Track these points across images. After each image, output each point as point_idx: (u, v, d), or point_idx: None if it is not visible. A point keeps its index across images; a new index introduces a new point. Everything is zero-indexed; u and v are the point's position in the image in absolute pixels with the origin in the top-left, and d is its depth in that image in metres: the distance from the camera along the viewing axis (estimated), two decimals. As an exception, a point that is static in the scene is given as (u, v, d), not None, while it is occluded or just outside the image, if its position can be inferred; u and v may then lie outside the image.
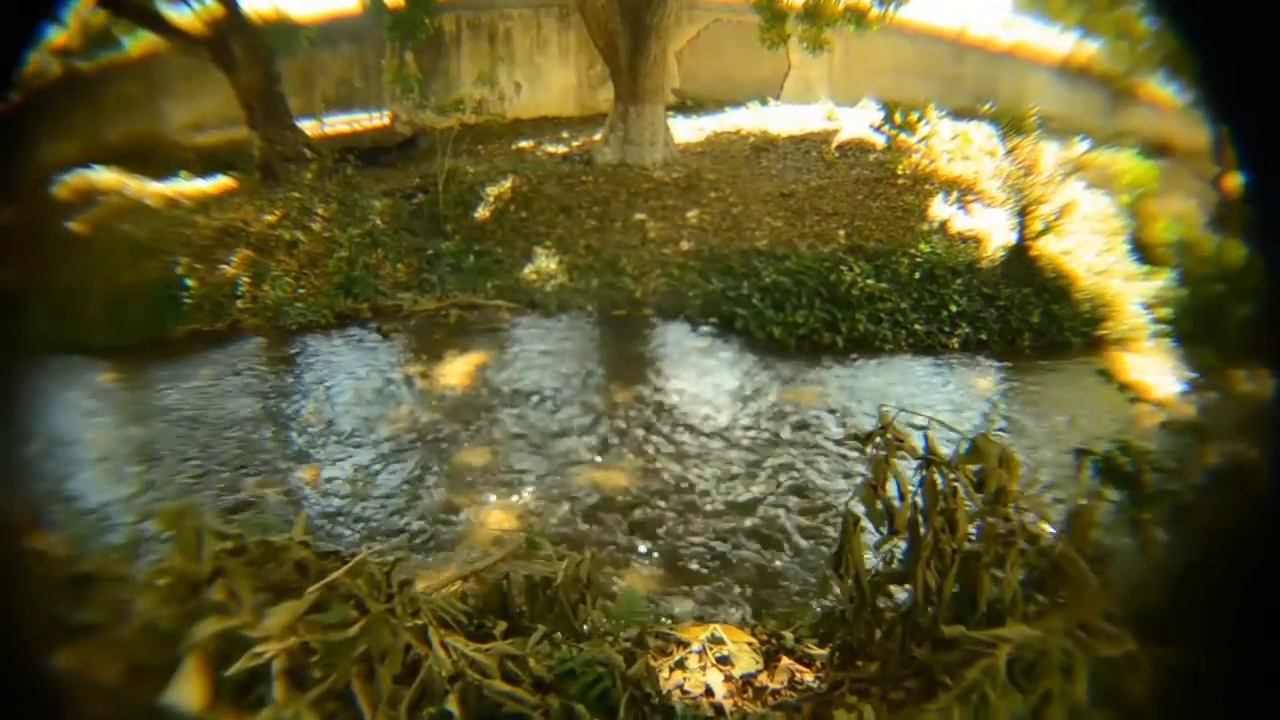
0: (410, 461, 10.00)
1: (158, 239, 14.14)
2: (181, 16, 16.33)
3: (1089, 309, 13.77)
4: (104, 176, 15.20)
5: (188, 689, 3.60)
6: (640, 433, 10.60)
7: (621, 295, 14.45)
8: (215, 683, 3.61)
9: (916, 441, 4.84)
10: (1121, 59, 17.41)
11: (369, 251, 15.01)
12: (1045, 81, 19.03)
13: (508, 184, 17.11)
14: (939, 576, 4.53)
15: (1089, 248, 14.96)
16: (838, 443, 10.41)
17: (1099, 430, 10.29)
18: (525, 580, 5.18)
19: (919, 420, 4.94)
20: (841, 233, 15.66)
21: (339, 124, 19.37)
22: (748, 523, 8.85)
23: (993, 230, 15.40)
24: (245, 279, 14.02)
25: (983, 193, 16.52)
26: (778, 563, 8.25)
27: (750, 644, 5.52)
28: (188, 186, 16.15)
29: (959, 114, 18.65)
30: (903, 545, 4.85)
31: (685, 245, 15.50)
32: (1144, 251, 14.86)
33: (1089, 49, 18.50)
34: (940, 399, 11.63)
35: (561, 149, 19.41)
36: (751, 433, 10.63)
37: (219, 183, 16.60)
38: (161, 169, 16.20)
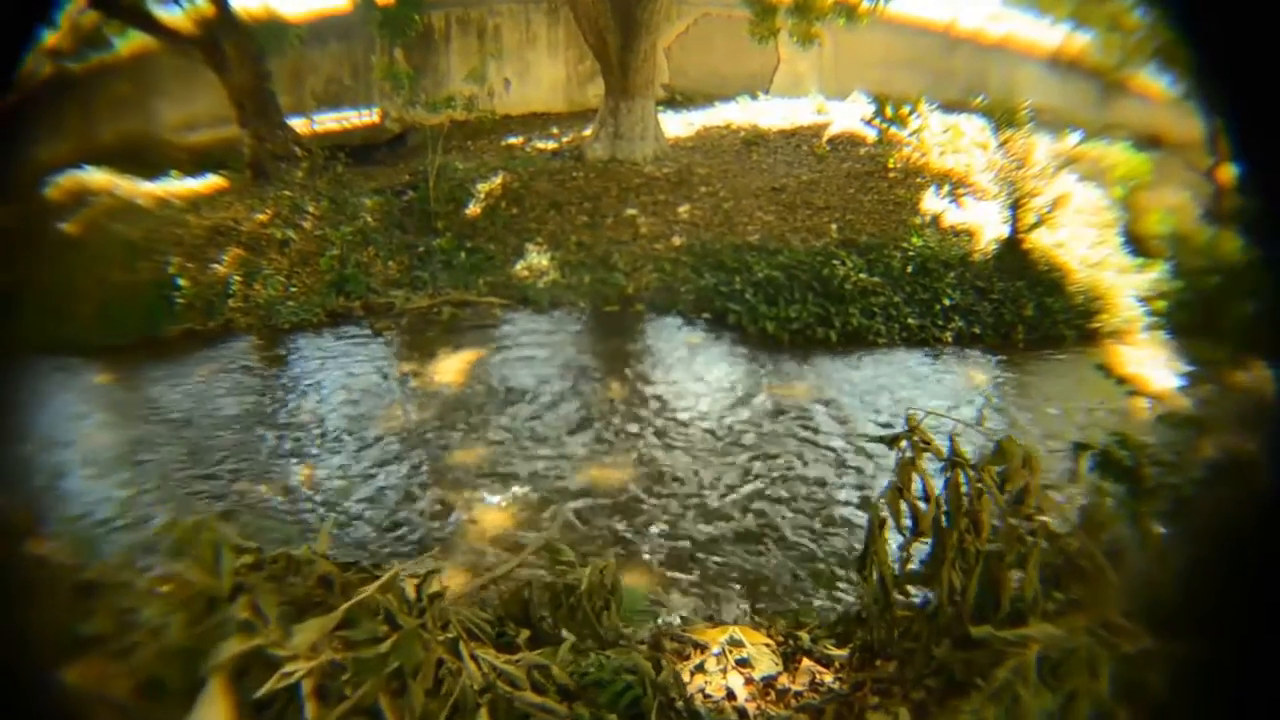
0: (404, 460, 9.97)
1: (150, 239, 14.09)
2: (172, 16, 16.25)
3: (1082, 302, 13.76)
4: (95, 177, 15.13)
5: (213, 711, 3.55)
6: (635, 429, 10.59)
7: (614, 291, 14.45)
8: (240, 703, 3.56)
9: (942, 443, 4.86)
10: (1113, 51, 17.39)
11: (360, 249, 14.99)
12: (1036, 74, 19.00)
13: (498, 180, 17.08)
14: (964, 577, 4.54)
15: (1082, 240, 14.95)
16: (840, 438, 10.42)
17: (1094, 423, 10.34)
18: (549, 587, 5.15)
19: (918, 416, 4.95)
20: (833, 227, 15.65)
21: (329, 121, 19.29)
22: (745, 519, 8.84)
23: (985, 223, 15.41)
24: (237, 278, 13.98)
25: (974, 186, 16.52)
26: (775, 559, 8.24)
27: (767, 645, 5.52)
28: (179, 186, 16.09)
29: (950, 107, 18.61)
30: (919, 547, 4.88)
31: (677, 240, 15.50)
32: (1137, 244, 14.87)
33: (1079, 41, 18.48)
34: (935, 393, 11.62)
35: (551, 145, 19.35)
36: (747, 428, 10.62)
37: (210, 182, 16.53)
38: (153, 168, 16.14)
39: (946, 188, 16.53)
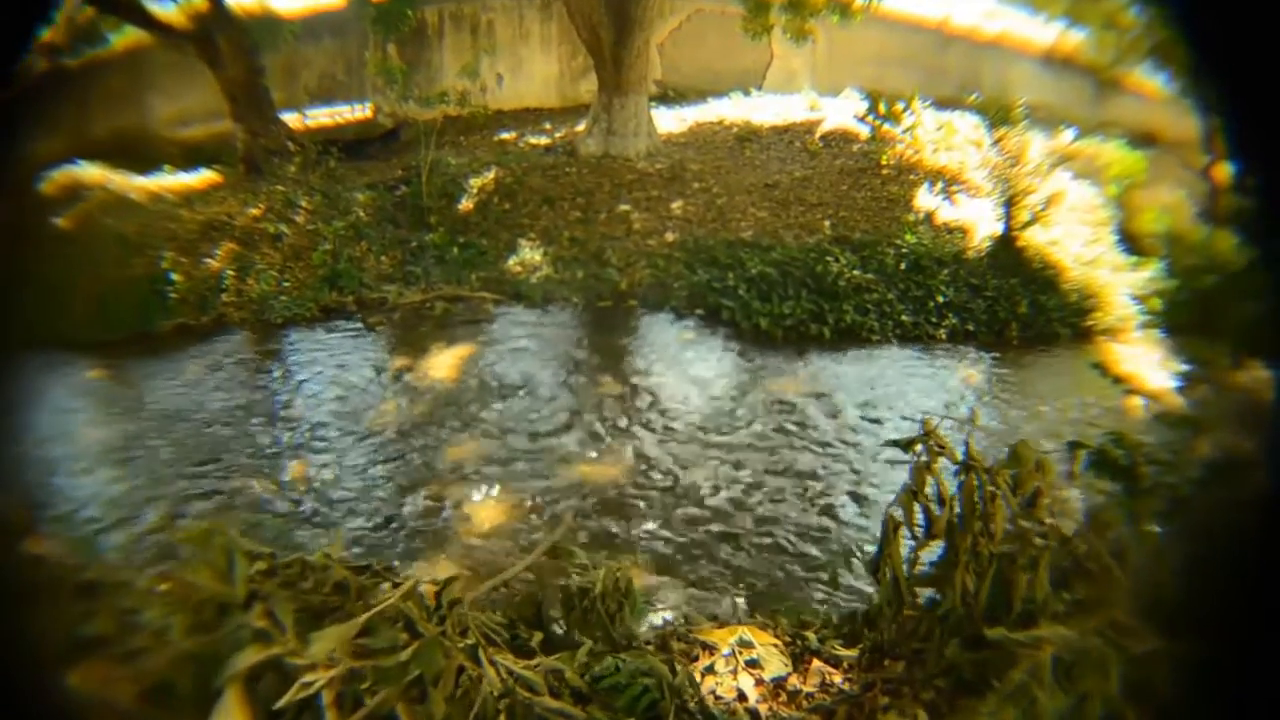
0: (397, 455, 9.96)
1: (143, 233, 14.06)
2: (166, 11, 16.22)
3: (1077, 299, 13.78)
4: (89, 171, 15.11)
5: None
6: (629, 425, 10.57)
7: (607, 287, 14.43)
8: (257, 713, 3.53)
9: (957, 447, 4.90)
10: (1108, 49, 17.41)
11: (353, 244, 14.96)
12: (1029, 71, 19.03)
13: (491, 175, 17.08)
14: (976, 579, 4.56)
15: (1076, 238, 14.98)
16: (833, 434, 10.44)
17: (1088, 421, 10.36)
18: (562, 590, 5.13)
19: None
20: (827, 223, 15.66)
21: (321, 117, 19.27)
22: (740, 515, 8.84)
23: (979, 221, 15.43)
24: (230, 273, 13.95)
25: (968, 183, 16.54)
26: (769, 556, 8.24)
27: (775, 645, 5.51)
28: (172, 181, 16.07)
29: (943, 104, 18.64)
30: (927, 549, 4.92)
31: (670, 236, 15.49)
32: (1132, 242, 14.90)
33: (1073, 39, 18.50)
34: (928, 390, 11.63)
35: (544, 140, 19.33)
36: (741, 425, 10.62)
37: (203, 176, 16.52)
38: (146, 163, 16.12)
39: (940, 185, 16.55)
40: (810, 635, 5.72)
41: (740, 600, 7.58)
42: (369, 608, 3.93)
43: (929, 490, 4.90)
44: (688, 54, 21.50)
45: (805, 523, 8.72)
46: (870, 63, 20.35)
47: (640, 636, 5.37)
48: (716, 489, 9.31)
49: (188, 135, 17.90)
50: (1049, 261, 14.39)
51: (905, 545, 5.00)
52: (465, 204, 16.41)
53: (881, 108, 18.06)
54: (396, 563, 7.65)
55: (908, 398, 11.35)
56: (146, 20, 16.24)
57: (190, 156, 17.04)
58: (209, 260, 14.13)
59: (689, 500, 9.11)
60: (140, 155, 16.35)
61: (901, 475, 8.92)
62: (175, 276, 13.62)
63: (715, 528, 8.66)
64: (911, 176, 16.87)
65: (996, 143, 15.38)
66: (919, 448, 4.98)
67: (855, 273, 13.83)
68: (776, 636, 5.71)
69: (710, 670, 5.16)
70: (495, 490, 9.27)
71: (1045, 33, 19.42)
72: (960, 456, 4.84)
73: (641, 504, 9.04)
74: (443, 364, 12.08)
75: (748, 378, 11.89)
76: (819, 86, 20.64)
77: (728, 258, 14.50)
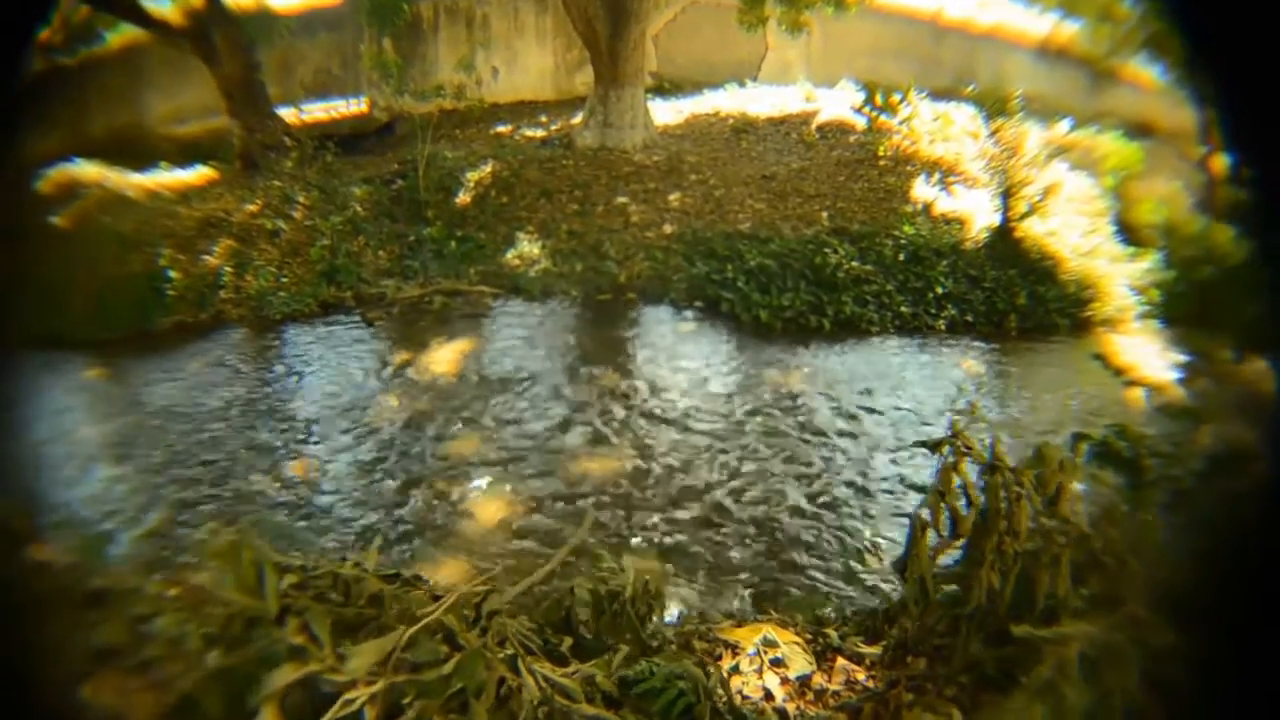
0: (398, 451, 9.92)
1: (140, 231, 14.02)
2: (162, 9, 16.18)
3: (1075, 290, 13.79)
4: (86, 169, 15.07)
5: None
6: (630, 419, 10.56)
7: (606, 279, 14.42)
8: None
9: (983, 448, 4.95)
10: (1103, 40, 17.41)
11: (351, 239, 14.94)
12: (1024, 62, 19.02)
13: (488, 169, 17.07)
14: (1001, 577, 4.58)
15: (1074, 229, 14.99)
16: (835, 425, 10.44)
17: (1090, 412, 10.38)
18: (592, 594, 5.12)
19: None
20: (824, 215, 15.66)
21: (317, 111, 19.20)
22: (741, 508, 8.82)
23: (976, 212, 15.43)
24: (228, 269, 13.93)
25: (965, 174, 16.55)
26: (774, 548, 8.23)
27: (797, 644, 5.52)
28: (169, 177, 16.03)
29: (939, 95, 18.65)
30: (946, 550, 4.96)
31: (668, 228, 15.48)
32: (1129, 233, 14.91)
33: (1068, 30, 18.50)
34: (930, 382, 11.62)
35: (540, 133, 19.32)
36: (742, 417, 10.61)
37: (200, 173, 16.49)
38: (142, 160, 16.08)
39: (937, 176, 16.56)
40: (831, 632, 5.73)
41: (746, 594, 7.57)
42: (405, 619, 3.90)
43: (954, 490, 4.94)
44: (683, 46, 21.47)
45: (808, 515, 8.71)
46: (865, 54, 20.36)
47: (670, 639, 5.36)
48: (718, 482, 9.31)
49: (184, 132, 17.86)
50: (1047, 252, 14.40)
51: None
52: (462, 198, 16.39)
53: (878, 99, 18.08)
54: (397, 558, 7.70)
55: (908, 389, 11.35)
56: (143, 18, 16.21)
57: (187, 153, 17.00)
58: (207, 257, 14.10)
59: (690, 493, 9.10)
60: (137, 152, 16.31)
61: (901, 468, 9.03)
62: (173, 274, 13.57)
63: (717, 521, 8.65)
64: (909, 168, 16.90)
65: (993, 134, 15.36)
66: (946, 448, 5.01)
67: (854, 264, 13.83)
68: (797, 634, 5.72)
69: (735, 670, 5.16)
70: (497, 486, 9.24)
71: (1040, 24, 19.43)
72: (986, 458, 4.87)
73: (643, 498, 9.03)
74: (442, 359, 12.06)
75: (748, 370, 11.88)
76: (814, 78, 20.63)
77: (726, 250, 14.49)
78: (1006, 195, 14.67)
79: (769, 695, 4.98)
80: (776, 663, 5.23)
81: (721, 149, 18.04)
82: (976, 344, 12.89)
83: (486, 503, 8.94)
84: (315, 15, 19.26)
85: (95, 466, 9.63)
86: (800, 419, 10.59)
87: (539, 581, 5.36)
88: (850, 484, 9.25)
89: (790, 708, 4.91)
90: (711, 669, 4.74)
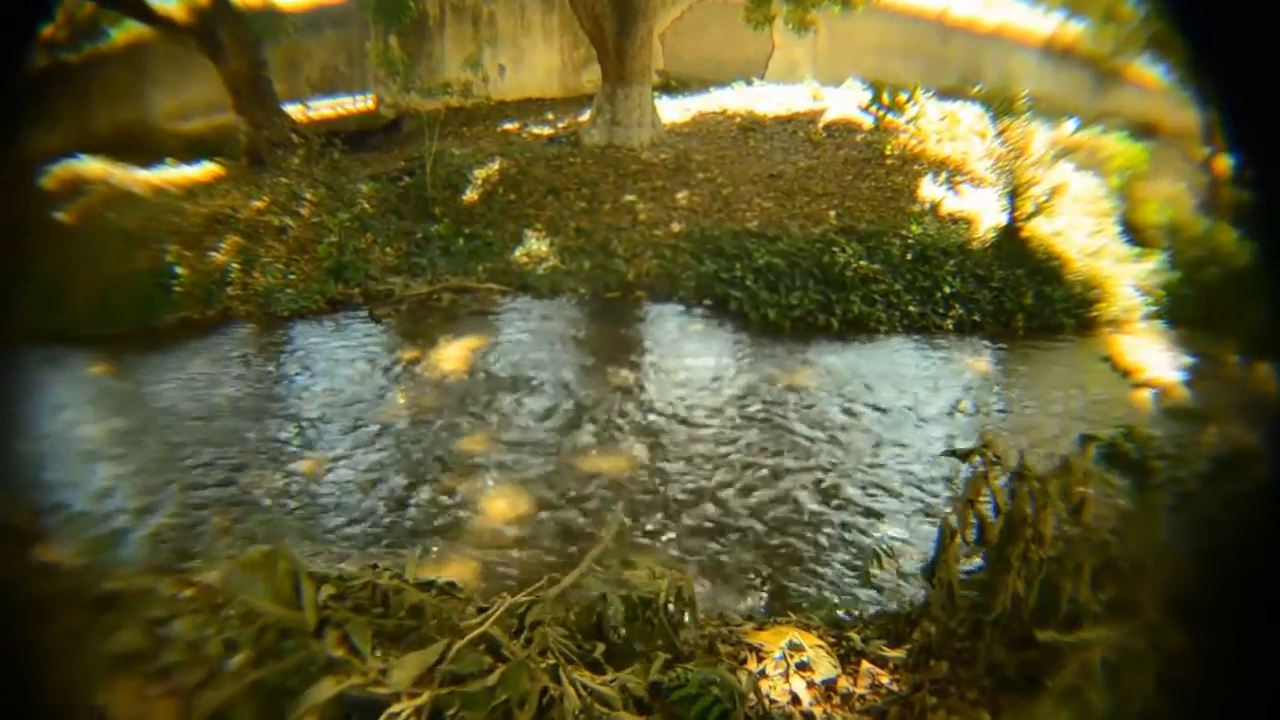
0: (407, 449, 9.89)
1: (146, 227, 14.00)
2: (167, 5, 16.17)
3: (1081, 291, 13.78)
4: (91, 165, 15.06)
5: None
6: (639, 417, 10.54)
7: (614, 278, 14.40)
8: None
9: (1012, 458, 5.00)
10: (1107, 40, 17.43)
11: (358, 236, 14.91)
12: (1030, 62, 19.04)
13: (495, 166, 17.06)
14: (1025, 584, 4.60)
15: (1080, 229, 14.99)
16: (845, 424, 10.42)
17: (1097, 412, 10.36)
18: (624, 601, 5.10)
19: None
20: (832, 214, 15.65)
21: (323, 108, 19.22)
22: (753, 509, 8.78)
23: (983, 211, 15.44)
24: (235, 266, 13.91)
25: (972, 173, 16.55)
26: (783, 547, 8.21)
27: (822, 647, 5.51)
28: (175, 174, 16.03)
29: (945, 94, 18.65)
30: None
31: (676, 227, 15.46)
32: (1135, 233, 14.92)
33: (1073, 30, 18.51)
34: (939, 381, 11.61)
35: (547, 131, 19.32)
36: (752, 416, 10.58)
37: (206, 169, 16.48)
38: (147, 157, 16.07)
39: (944, 175, 16.56)
40: (854, 635, 5.73)
41: (759, 595, 7.55)
42: (446, 630, 3.89)
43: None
44: (690, 44, 21.49)
45: (819, 514, 8.68)
46: (871, 53, 20.40)
47: (703, 645, 5.35)
48: (727, 481, 9.25)
49: (189, 128, 17.87)
50: (1053, 252, 14.39)
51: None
52: (470, 195, 16.37)
53: (885, 98, 18.10)
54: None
55: (917, 389, 11.34)
56: (148, 14, 16.21)
57: (192, 149, 17.00)
58: (213, 253, 14.08)
59: (699, 492, 9.05)
60: (142, 149, 16.31)
61: (911, 466, 9.02)
62: (179, 270, 13.55)
63: (727, 520, 8.60)
64: (915, 167, 16.90)
65: (1000, 133, 15.35)
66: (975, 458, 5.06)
67: (862, 263, 13.82)
68: (819, 637, 5.71)
69: (762, 674, 5.15)
70: (505, 484, 9.20)
71: (1045, 23, 19.44)
72: (1015, 467, 4.90)
73: (652, 497, 8.98)
74: (451, 356, 12.04)
75: (757, 368, 11.85)
76: (821, 76, 20.64)
77: (734, 248, 14.47)
78: (1013, 195, 14.66)
79: (795, 699, 4.97)
80: (802, 666, 5.22)
81: (729, 147, 18.04)
82: (984, 344, 12.87)
83: (494, 501, 8.89)
84: (321, 12, 19.30)
85: (100, 464, 9.57)
86: (809, 418, 10.57)
87: (569, 587, 5.34)
88: (861, 484, 9.21)
89: (817, 711, 4.90)
90: (742, 674, 4.73)
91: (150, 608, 4.31)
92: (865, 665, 5.32)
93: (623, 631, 4.96)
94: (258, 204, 15.17)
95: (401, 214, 15.80)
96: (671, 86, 21.16)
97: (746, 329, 12.98)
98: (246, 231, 14.53)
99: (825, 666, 5.25)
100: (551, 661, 4.12)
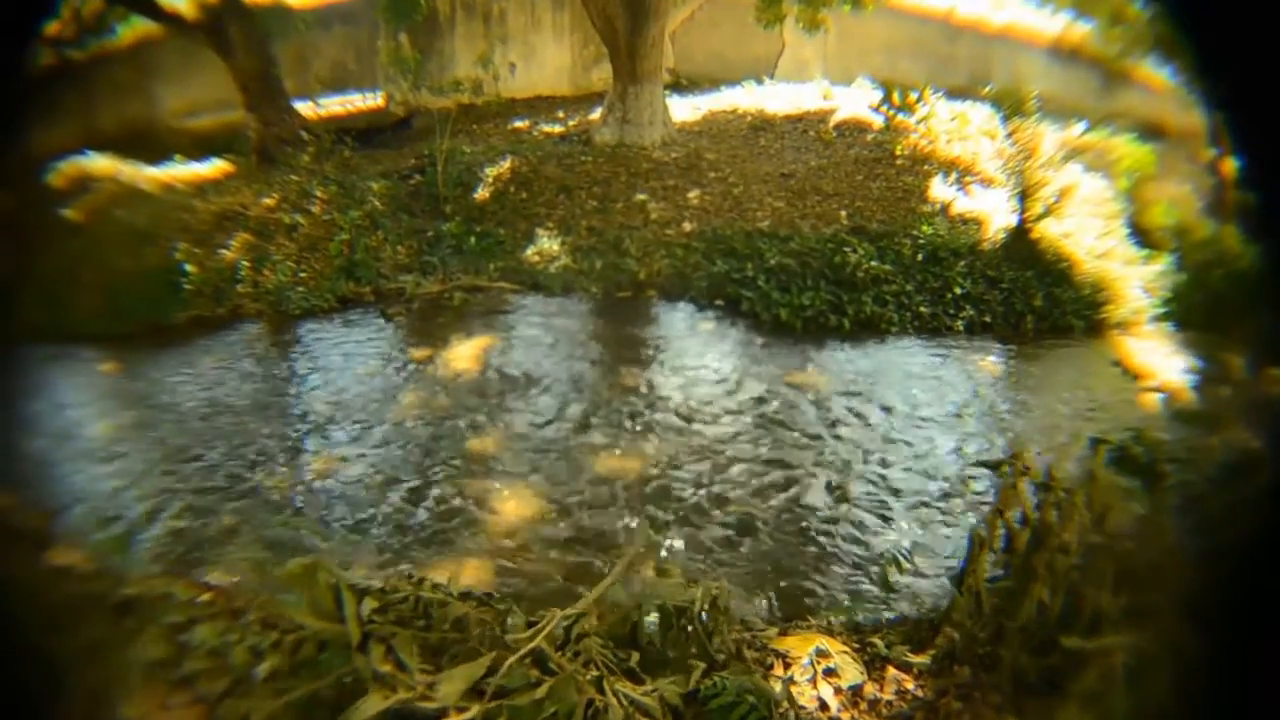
0: (419, 449, 9.85)
1: (155, 225, 14.00)
2: (176, 2, 16.17)
3: (1090, 292, 13.77)
4: (98, 163, 15.06)
5: None
6: (651, 417, 10.52)
7: (626, 277, 14.39)
8: None
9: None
10: (1114, 41, 17.43)
11: (369, 234, 14.87)
12: (1037, 62, 19.08)
13: (506, 164, 17.06)
14: (1051, 592, 4.63)
15: (1088, 231, 14.98)
16: (858, 425, 10.42)
17: (1107, 415, 10.38)
18: (659, 610, 5.11)
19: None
20: (843, 214, 15.65)
21: (333, 105, 19.24)
22: (767, 511, 8.75)
23: (993, 212, 15.43)
24: (245, 264, 13.88)
25: (982, 174, 16.56)
26: (796, 549, 8.19)
27: (847, 653, 5.54)
28: (183, 171, 16.03)
29: (955, 94, 18.67)
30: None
31: (688, 226, 15.46)
32: (1143, 235, 14.93)
33: (1080, 30, 18.52)
34: (952, 383, 11.61)
35: (558, 129, 19.35)
36: (764, 417, 10.57)
37: (215, 167, 16.49)
38: (156, 154, 16.08)
39: (954, 175, 16.56)
40: (878, 641, 5.75)
41: (774, 598, 7.54)
42: (491, 643, 3.88)
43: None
44: (700, 42, 21.53)
45: (833, 516, 8.66)
46: (880, 52, 20.43)
47: (737, 654, 5.36)
48: (740, 482, 9.23)
49: (197, 125, 17.88)
50: (1063, 254, 14.37)
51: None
52: (481, 193, 16.37)
53: (896, 98, 18.12)
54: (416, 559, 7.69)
55: (929, 390, 11.33)
56: (156, 11, 16.22)
57: (200, 147, 17.00)
58: (224, 251, 14.07)
59: (712, 494, 9.01)
60: (150, 146, 16.32)
61: (924, 464, 9.03)
62: (189, 268, 13.54)
63: (740, 522, 8.56)
64: (926, 167, 16.89)
65: (1010, 134, 15.36)
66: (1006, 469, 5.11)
67: (873, 264, 13.81)
68: (843, 643, 5.73)
69: (791, 680, 5.17)
70: (518, 485, 9.18)
71: (1052, 24, 19.46)
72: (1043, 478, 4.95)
73: (669, 498, 8.95)
74: (463, 355, 12.03)
75: (769, 369, 11.84)
76: (830, 75, 20.67)
77: (746, 248, 14.48)
78: (1023, 196, 14.65)
79: (824, 705, 4.99)
80: (829, 672, 5.24)
81: (740, 146, 18.04)
82: (994, 345, 12.86)
83: (507, 501, 8.86)
84: (331, 9, 19.30)
85: (109, 463, 9.55)
86: (821, 419, 10.56)
87: (599, 597, 5.34)
88: (874, 485, 9.19)
89: (845, 717, 4.93)
90: (774, 681, 4.75)
91: (169, 613, 4.31)
92: (891, 671, 5.34)
93: (658, 641, 4.97)
94: (268, 201, 15.16)
95: (412, 212, 15.80)
96: (682, 85, 21.21)
97: (758, 329, 12.98)
98: (257, 229, 14.52)
99: (851, 672, 5.28)
100: (596, 673, 4.13)
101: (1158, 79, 17.29)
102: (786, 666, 5.30)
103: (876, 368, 11.97)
